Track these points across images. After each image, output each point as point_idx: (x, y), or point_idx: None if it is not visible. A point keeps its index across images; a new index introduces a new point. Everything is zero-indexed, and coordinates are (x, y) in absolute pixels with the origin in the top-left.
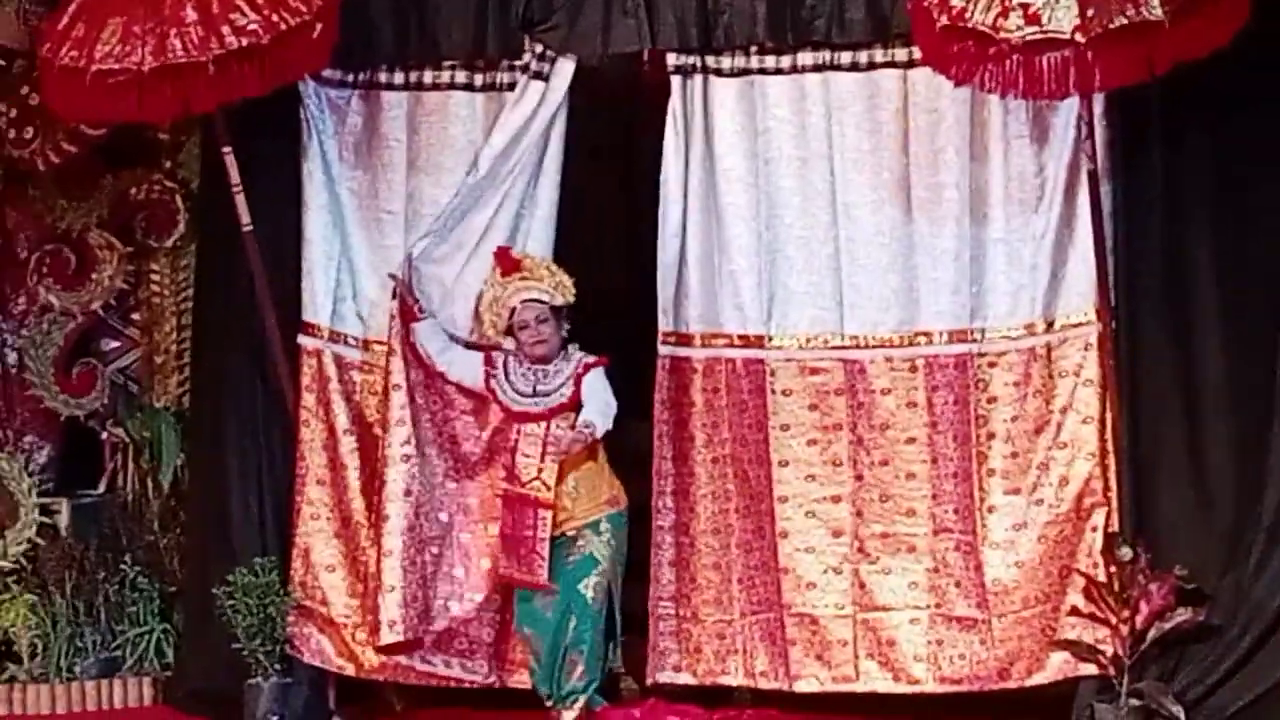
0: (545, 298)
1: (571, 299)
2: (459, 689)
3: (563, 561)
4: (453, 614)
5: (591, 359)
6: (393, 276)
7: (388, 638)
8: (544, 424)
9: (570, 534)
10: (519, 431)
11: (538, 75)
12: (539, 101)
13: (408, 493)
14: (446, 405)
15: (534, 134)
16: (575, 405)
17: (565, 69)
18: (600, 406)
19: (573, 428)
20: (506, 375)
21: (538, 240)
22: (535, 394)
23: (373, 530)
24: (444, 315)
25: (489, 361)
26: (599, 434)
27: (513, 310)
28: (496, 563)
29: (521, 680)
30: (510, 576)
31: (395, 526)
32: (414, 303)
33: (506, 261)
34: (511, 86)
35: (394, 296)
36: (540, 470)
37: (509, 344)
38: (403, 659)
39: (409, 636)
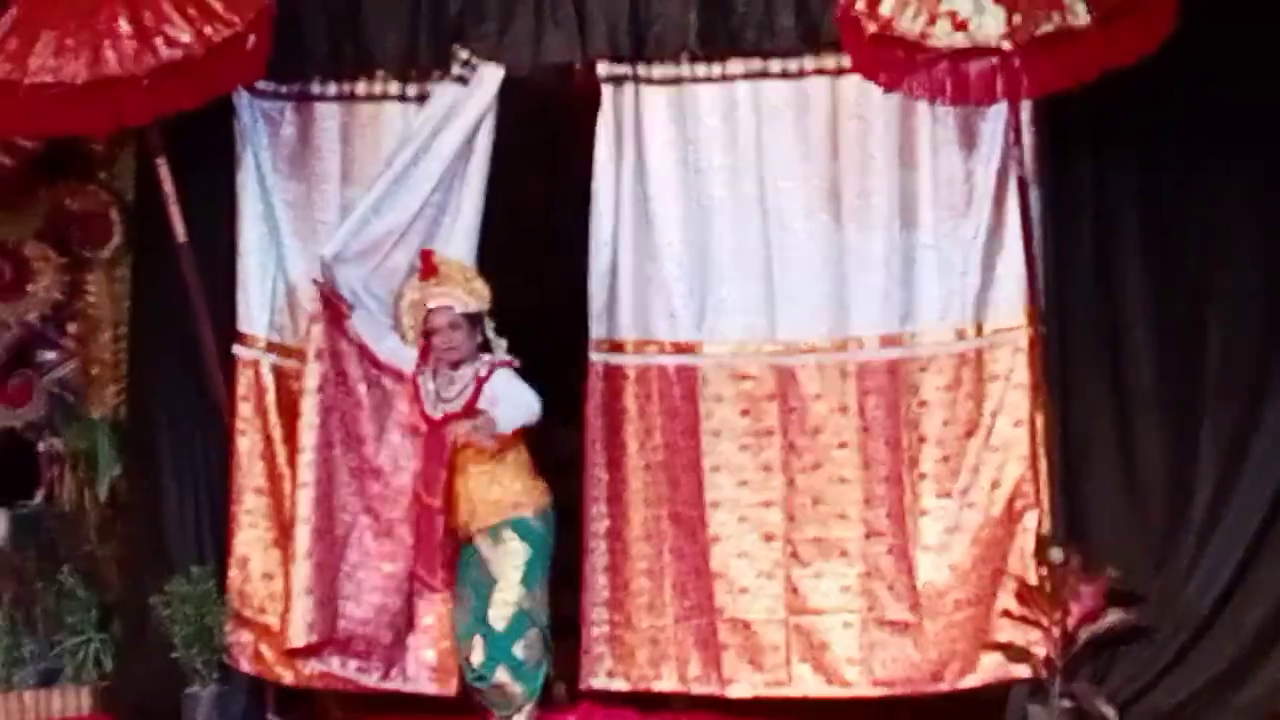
0: (457, 304)
1: (486, 306)
2: (399, 696)
3: (473, 573)
4: (351, 615)
5: (491, 364)
6: (316, 282)
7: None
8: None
9: (476, 540)
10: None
11: (462, 81)
12: (451, 103)
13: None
14: (355, 405)
15: (454, 139)
16: (469, 412)
17: (491, 76)
18: (516, 404)
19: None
20: (434, 378)
21: (458, 248)
22: (440, 399)
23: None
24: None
25: (424, 357)
26: (503, 428)
27: (428, 314)
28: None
29: (417, 686)
30: (419, 577)
31: (306, 532)
32: (340, 300)
33: (426, 265)
34: None
35: (324, 304)
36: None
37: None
38: (324, 665)
39: (311, 640)
